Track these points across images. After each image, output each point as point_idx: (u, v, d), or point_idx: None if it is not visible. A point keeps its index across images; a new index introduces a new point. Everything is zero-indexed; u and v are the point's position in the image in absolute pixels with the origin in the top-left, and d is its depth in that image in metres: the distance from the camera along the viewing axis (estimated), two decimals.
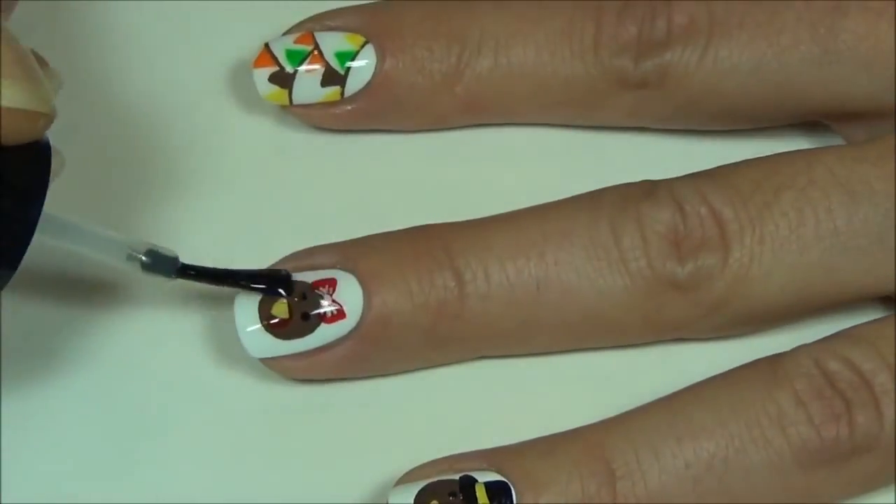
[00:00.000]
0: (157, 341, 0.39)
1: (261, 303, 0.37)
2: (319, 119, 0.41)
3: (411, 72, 0.40)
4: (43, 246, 0.34)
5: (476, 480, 0.36)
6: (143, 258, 0.36)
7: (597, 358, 0.39)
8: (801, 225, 0.37)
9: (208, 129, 0.42)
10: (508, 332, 0.37)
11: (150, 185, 0.41)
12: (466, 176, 0.41)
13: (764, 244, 0.37)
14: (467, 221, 0.39)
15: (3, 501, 0.37)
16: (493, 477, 0.36)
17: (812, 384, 0.36)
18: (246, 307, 0.37)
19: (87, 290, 0.39)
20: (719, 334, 0.39)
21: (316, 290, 0.37)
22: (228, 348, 0.38)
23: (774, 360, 0.37)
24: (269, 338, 0.37)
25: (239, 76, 0.42)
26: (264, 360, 0.37)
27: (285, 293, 0.37)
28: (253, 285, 0.37)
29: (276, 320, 0.37)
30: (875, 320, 0.38)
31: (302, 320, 0.37)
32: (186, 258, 0.37)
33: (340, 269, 0.37)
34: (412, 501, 0.35)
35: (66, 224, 0.36)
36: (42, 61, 0.35)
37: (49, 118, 0.33)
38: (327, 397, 0.38)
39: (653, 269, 0.37)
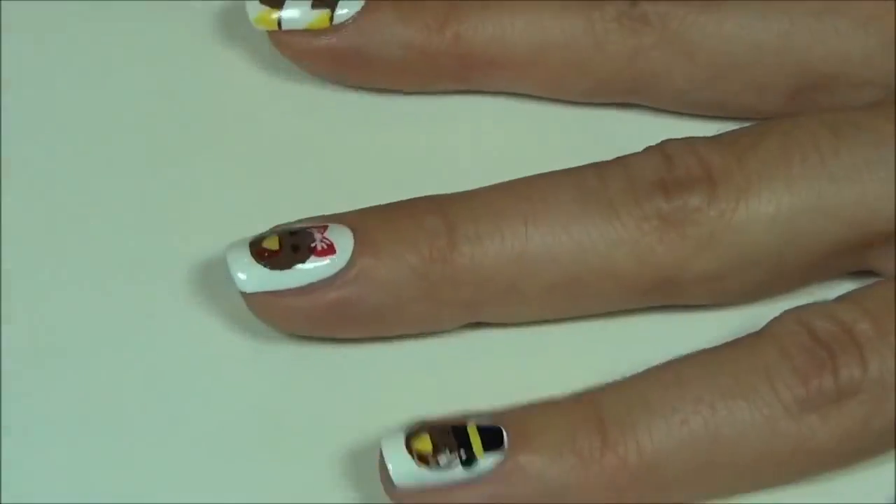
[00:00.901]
0: (157, 339, 0.39)
1: (251, 241, 0.37)
2: (304, 53, 0.41)
3: (402, 9, 0.40)
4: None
5: (468, 423, 0.36)
6: None
7: (600, 351, 0.39)
8: (787, 161, 0.38)
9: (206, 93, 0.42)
10: (498, 277, 0.38)
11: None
12: (463, 158, 0.42)
13: (751, 181, 0.38)
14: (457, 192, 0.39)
15: (3, 502, 0.36)
16: (486, 422, 0.36)
17: (796, 339, 0.36)
18: (238, 245, 0.37)
19: (86, 289, 0.39)
20: (713, 290, 0.39)
21: (307, 230, 0.37)
22: (227, 347, 0.38)
23: (761, 328, 0.37)
24: (258, 268, 0.37)
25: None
26: (254, 300, 0.37)
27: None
28: None
29: (265, 252, 0.37)
30: (861, 287, 0.38)
31: (292, 252, 0.37)
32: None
33: (332, 223, 0.38)
34: (403, 433, 0.36)
35: None
36: None
37: None
38: (325, 385, 0.38)
39: (640, 206, 0.37)
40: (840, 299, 0.38)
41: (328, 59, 0.41)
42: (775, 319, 0.37)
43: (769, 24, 0.40)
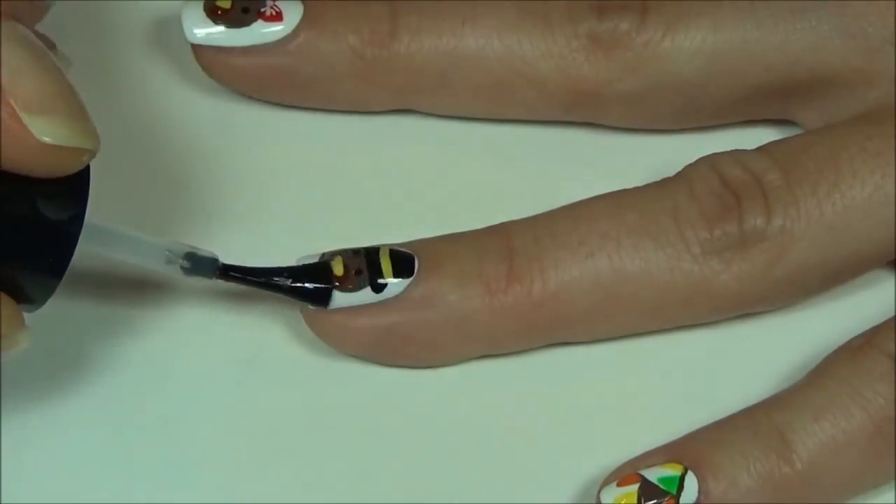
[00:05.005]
0: (156, 340, 0.39)
1: None
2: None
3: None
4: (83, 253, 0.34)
5: (380, 248, 0.37)
6: (182, 262, 0.36)
7: (594, 352, 0.39)
8: (717, 3, 0.39)
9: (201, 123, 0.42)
10: (431, 71, 0.40)
11: (158, 184, 0.41)
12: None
13: (680, 14, 0.39)
14: None
15: (3, 502, 0.37)
16: (399, 247, 0.37)
17: (707, 184, 0.38)
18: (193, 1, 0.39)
19: (85, 292, 0.39)
20: (633, 114, 0.40)
21: None
22: (225, 348, 0.39)
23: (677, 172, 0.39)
24: (209, 23, 0.39)
25: None
26: (203, 54, 0.40)
27: (327, 285, 0.37)
28: (296, 285, 0.37)
29: (218, 10, 0.39)
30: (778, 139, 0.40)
31: (242, 13, 0.39)
32: None
33: None
34: (318, 257, 0.37)
35: (107, 231, 0.35)
36: (49, 43, 0.35)
37: (93, 153, 0.33)
38: (326, 405, 0.38)
39: (573, 24, 0.39)
40: (756, 149, 0.39)
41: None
42: (690, 164, 0.39)
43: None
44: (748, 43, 0.39)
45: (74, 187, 0.33)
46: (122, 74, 0.42)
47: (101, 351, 0.38)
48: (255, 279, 0.37)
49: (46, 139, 0.32)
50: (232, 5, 0.39)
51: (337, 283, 0.37)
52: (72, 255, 0.34)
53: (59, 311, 0.37)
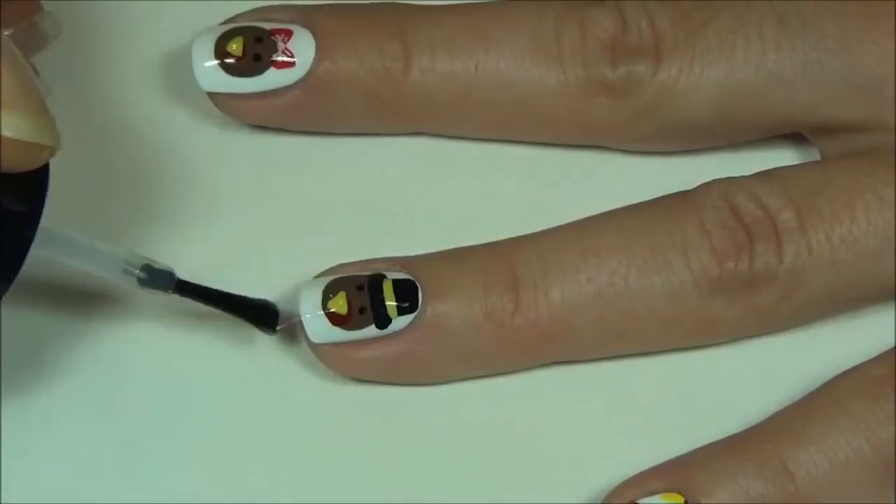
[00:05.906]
0: (157, 342, 0.39)
1: (217, 39, 0.39)
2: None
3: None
4: (38, 259, 0.34)
5: (385, 277, 0.37)
6: (139, 273, 0.36)
7: (603, 367, 0.39)
8: (731, 46, 0.39)
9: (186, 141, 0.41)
10: (444, 108, 0.40)
11: (138, 200, 0.40)
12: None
13: (695, 59, 0.39)
14: (423, 5, 0.40)
15: (3, 502, 0.37)
16: (402, 276, 0.38)
17: (718, 215, 0.38)
18: (203, 42, 0.39)
19: (87, 293, 0.39)
20: (644, 146, 0.40)
21: (272, 37, 0.39)
22: (225, 350, 0.39)
23: (687, 191, 0.39)
24: (221, 73, 0.39)
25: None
26: (213, 97, 0.40)
27: (270, 327, 0.37)
28: (244, 313, 0.37)
29: (228, 56, 0.39)
30: (791, 166, 0.40)
31: (254, 61, 0.39)
32: (183, 273, 0.37)
33: (299, 24, 0.39)
34: (321, 292, 0.37)
35: (62, 237, 0.35)
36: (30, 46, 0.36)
37: (52, 150, 0.33)
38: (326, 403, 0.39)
39: (586, 68, 0.39)
40: (770, 177, 0.38)
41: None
42: (702, 188, 0.38)
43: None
44: (758, 94, 0.39)
45: (32, 187, 0.33)
46: (121, 89, 0.42)
47: (101, 351, 0.38)
48: (209, 299, 0.37)
49: (7, 133, 0.32)
50: (244, 53, 0.39)
51: (340, 322, 0.37)
52: (24, 258, 0.33)
53: (57, 311, 0.38)
